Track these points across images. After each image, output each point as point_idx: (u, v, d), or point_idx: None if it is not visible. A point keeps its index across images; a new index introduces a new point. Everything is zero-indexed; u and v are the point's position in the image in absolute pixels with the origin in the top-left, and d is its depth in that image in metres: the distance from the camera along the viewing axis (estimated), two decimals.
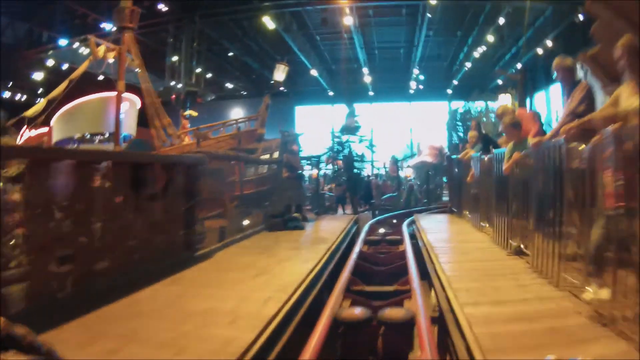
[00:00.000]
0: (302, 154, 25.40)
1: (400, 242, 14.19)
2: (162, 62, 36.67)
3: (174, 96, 34.13)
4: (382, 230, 18.10)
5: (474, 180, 14.23)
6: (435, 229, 14.54)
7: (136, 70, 23.35)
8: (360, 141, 31.77)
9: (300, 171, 19.70)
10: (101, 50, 20.69)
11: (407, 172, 39.87)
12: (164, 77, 36.52)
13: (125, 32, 21.71)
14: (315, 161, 28.58)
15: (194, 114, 28.91)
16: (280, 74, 29.52)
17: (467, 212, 15.74)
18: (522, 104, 31.09)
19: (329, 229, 15.71)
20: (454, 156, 20.62)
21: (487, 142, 14.70)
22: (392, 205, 30.65)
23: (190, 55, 35.83)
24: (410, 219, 18.58)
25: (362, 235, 15.43)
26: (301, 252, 11.14)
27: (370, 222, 20.09)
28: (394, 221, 21.86)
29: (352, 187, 28.21)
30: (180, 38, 35.95)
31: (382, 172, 43.89)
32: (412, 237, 14.35)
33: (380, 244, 14.62)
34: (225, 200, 16.89)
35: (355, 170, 28.92)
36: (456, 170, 18.75)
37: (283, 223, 15.40)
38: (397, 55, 51.20)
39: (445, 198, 33.40)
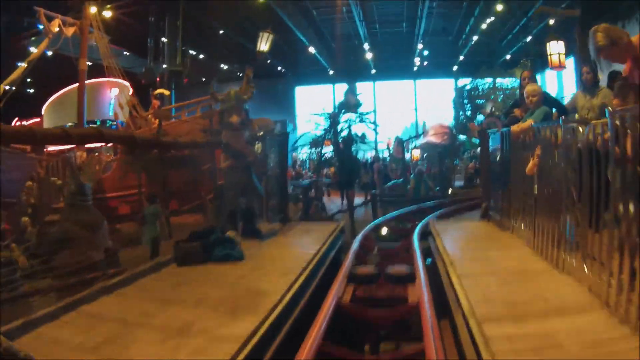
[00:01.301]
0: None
1: (411, 277, 9.15)
2: (156, 43, 34.55)
3: (158, 78, 30.71)
4: (382, 246, 13.63)
5: (542, 171, 8.58)
6: (470, 258, 9.14)
7: (93, 43, 20.43)
8: (362, 120, 28.50)
9: (250, 159, 12.91)
10: (54, 24, 17.65)
11: (414, 154, 35.57)
12: (156, 58, 34.28)
13: (88, 4, 18.35)
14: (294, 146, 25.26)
15: (166, 92, 26.05)
16: (264, 43, 25.98)
17: (523, 225, 9.96)
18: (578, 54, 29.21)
19: (289, 254, 10.68)
20: (492, 130, 14.36)
21: (552, 106, 10.58)
22: (398, 195, 26.79)
23: (174, 34, 33.29)
24: (424, 223, 14.85)
25: (349, 258, 10.61)
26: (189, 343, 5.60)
27: (364, 231, 15.12)
28: (400, 225, 18.15)
29: (345, 175, 23.31)
30: (164, 16, 33.50)
31: (386, 154, 40.45)
32: (430, 262, 10.73)
33: (375, 282, 9.46)
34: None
35: (352, 153, 24.56)
36: (501, 153, 12.03)
37: (204, 250, 9.77)
38: (400, 29, 48.01)
39: (459, 183, 30.16)
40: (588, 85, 10.07)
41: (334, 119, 27.38)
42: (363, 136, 29.07)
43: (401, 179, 30.81)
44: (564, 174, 7.34)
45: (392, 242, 15.09)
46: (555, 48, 23.12)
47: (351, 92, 29.58)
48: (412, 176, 29.24)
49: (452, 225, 13.76)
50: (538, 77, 46.42)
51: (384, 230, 16.52)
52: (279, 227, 14.08)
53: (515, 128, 10.09)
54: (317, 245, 11.04)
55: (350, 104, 28.56)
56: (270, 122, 23.26)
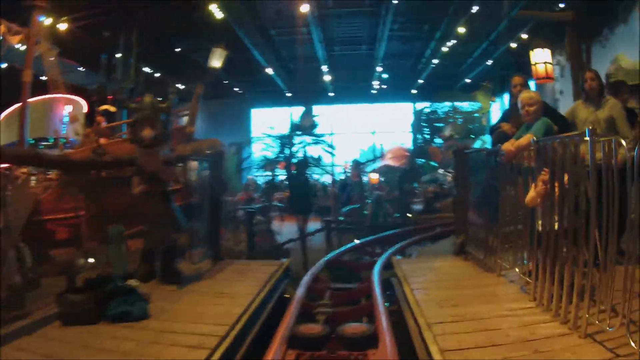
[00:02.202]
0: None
1: (372, 340, 7.13)
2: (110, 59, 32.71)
3: (110, 96, 28.78)
4: (336, 290, 11.33)
5: (550, 201, 6.60)
6: (454, 317, 6.71)
7: (38, 54, 19.76)
8: (317, 142, 26.43)
9: (168, 184, 10.42)
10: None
11: (372, 178, 33.24)
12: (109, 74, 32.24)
13: (34, 11, 17.87)
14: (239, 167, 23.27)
15: (112, 109, 23.95)
16: (216, 59, 23.80)
17: (517, 269, 8.21)
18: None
19: (210, 310, 7.70)
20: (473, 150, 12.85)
21: (550, 118, 8.42)
22: (355, 222, 24.73)
23: (128, 50, 31.46)
24: (385, 257, 12.49)
25: (291, 313, 8.22)
26: None
27: (313, 270, 12.64)
28: (358, 260, 16.45)
29: (298, 200, 20.87)
30: (119, 31, 31.49)
31: (343, 177, 38.62)
32: (395, 311, 8.51)
33: (325, 347, 7.31)
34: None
35: (306, 176, 22.33)
36: (486, 177, 9.96)
37: (97, 305, 7.11)
38: (359, 52, 45.99)
39: (418, 207, 28.17)
40: (592, 94, 7.90)
41: (288, 140, 25.59)
42: (318, 159, 27.01)
43: (358, 205, 28.68)
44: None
45: (348, 283, 12.44)
46: (541, 56, 21.15)
47: (307, 113, 27.81)
48: (369, 201, 27.24)
49: (422, 265, 11.04)
50: (498, 101, 45.46)
51: (338, 269, 14.02)
52: (207, 267, 11.19)
53: (508, 146, 7.82)
54: (251, 294, 8.50)
55: (305, 126, 26.86)
56: (218, 143, 20.92)
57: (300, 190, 20.23)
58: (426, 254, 14.18)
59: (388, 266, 11.84)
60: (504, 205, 8.37)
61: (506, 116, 10.25)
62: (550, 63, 21.80)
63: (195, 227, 12.27)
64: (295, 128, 27.60)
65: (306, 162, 23.85)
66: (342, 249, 17.11)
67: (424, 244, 16.92)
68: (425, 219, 24.37)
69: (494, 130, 10.14)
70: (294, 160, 24.05)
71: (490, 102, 44.53)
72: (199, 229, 12.50)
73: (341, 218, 25.26)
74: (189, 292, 8.80)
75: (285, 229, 22.50)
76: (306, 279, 10.72)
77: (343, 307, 9.66)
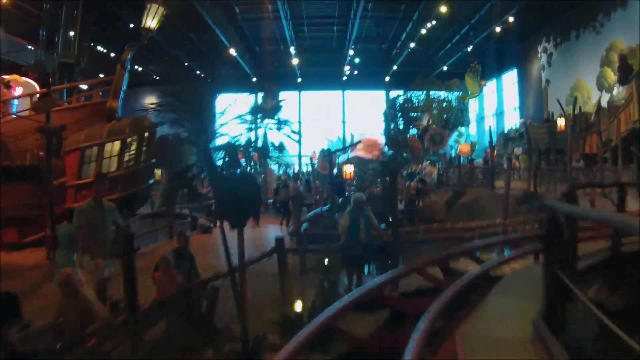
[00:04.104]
0: None
1: None
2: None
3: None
4: None
5: None
6: None
7: None
8: (280, 128, 21.21)
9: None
10: None
11: (347, 171, 25.04)
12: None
13: None
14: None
15: (20, 79, 19.39)
16: (152, 18, 18.31)
17: None
18: None
19: None
20: None
21: None
22: (323, 236, 15.41)
23: (70, 23, 27.22)
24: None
25: None
26: None
27: None
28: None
29: (230, 204, 11.55)
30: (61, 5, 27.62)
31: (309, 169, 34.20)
32: None
33: None
34: None
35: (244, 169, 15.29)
36: None
37: None
38: (330, 33, 42.12)
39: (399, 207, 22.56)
40: None
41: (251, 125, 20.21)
42: (281, 146, 21.91)
43: (327, 206, 21.36)
44: None
45: None
46: None
47: (271, 96, 26.31)
48: (347, 209, 19.34)
49: None
50: (491, 82, 41.44)
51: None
52: None
53: None
54: None
55: (267, 108, 21.65)
56: (147, 122, 15.60)
57: (230, 190, 10.87)
58: None
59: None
60: None
61: None
62: None
63: None
64: (256, 111, 22.41)
65: (267, 149, 18.24)
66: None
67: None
68: (423, 230, 16.72)
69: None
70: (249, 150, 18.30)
71: (481, 86, 41.32)
72: None
73: (305, 226, 17.22)
74: None
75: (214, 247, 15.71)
76: None
77: None
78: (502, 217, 15.91)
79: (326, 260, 11.13)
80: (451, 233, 15.49)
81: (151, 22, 18.51)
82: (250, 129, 21.92)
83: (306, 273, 12.40)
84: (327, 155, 29.39)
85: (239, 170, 13.24)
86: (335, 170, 25.99)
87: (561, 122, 24.34)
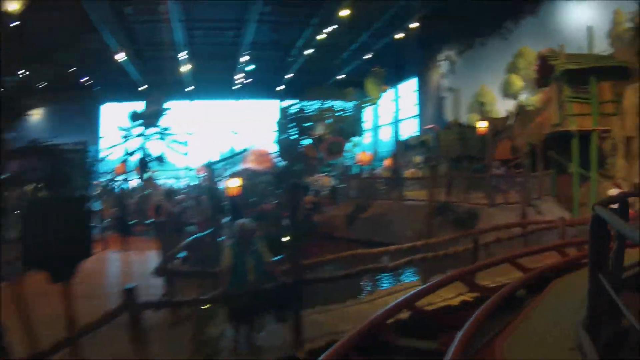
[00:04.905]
0: None
1: None
2: None
3: None
4: None
5: None
6: None
7: None
8: (163, 137, 18.97)
9: None
10: None
11: (231, 185, 19.82)
12: None
13: None
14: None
15: None
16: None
17: None
18: None
19: None
20: None
21: None
22: (203, 274, 10.40)
23: None
24: None
25: None
26: None
27: None
28: None
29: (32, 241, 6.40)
30: None
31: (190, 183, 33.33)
32: None
33: None
34: None
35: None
36: None
37: None
38: (225, 37, 39.50)
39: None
40: None
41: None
42: (161, 157, 19.00)
43: (211, 229, 14.73)
44: None
45: None
46: None
47: (154, 99, 24.28)
48: (230, 242, 12.11)
49: None
50: (389, 92, 39.83)
51: None
52: None
53: None
54: None
55: (147, 114, 19.32)
56: None
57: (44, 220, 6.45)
58: None
59: None
60: None
61: None
62: None
63: None
64: (136, 117, 19.68)
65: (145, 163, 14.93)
66: None
67: None
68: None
69: None
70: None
71: (381, 91, 39.24)
72: None
73: (181, 255, 12.34)
74: None
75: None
76: None
77: None
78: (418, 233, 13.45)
79: (205, 311, 7.68)
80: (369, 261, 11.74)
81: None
82: (126, 138, 18.79)
83: (181, 324, 8.56)
84: (211, 169, 26.54)
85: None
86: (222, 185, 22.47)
87: (483, 124, 22.15)
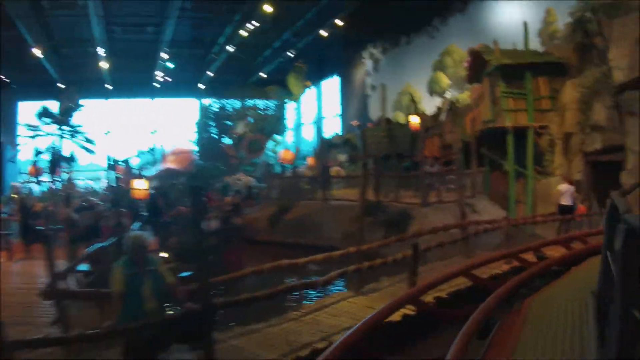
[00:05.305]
0: None
1: None
2: None
3: None
4: None
5: None
6: None
7: None
8: (73, 136, 17.92)
9: None
10: None
11: (138, 187, 17.21)
12: None
13: None
14: None
15: None
16: None
17: None
18: None
19: None
20: None
21: None
22: (96, 295, 7.61)
23: None
24: None
25: None
26: None
27: None
28: None
29: None
30: None
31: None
32: None
33: None
34: None
35: None
36: None
37: None
38: (145, 34, 37.49)
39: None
40: None
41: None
42: (72, 157, 17.80)
43: (115, 239, 11.38)
44: None
45: None
46: None
47: (67, 96, 23.20)
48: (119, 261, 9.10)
49: None
50: (312, 90, 38.86)
51: None
52: None
53: None
54: None
55: (59, 112, 18.46)
56: None
57: None
58: None
59: None
60: None
61: None
62: None
63: None
64: (42, 114, 18.32)
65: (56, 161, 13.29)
66: None
67: None
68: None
69: None
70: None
71: (305, 87, 38.78)
72: None
73: (83, 268, 10.55)
74: None
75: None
76: None
77: None
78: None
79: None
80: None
81: None
82: (34, 137, 17.25)
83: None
84: (128, 168, 24.82)
85: None
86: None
87: (415, 119, 21.08)
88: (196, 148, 35.18)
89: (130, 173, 26.59)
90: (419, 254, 9.27)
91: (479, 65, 20.48)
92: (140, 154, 39.78)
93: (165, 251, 12.54)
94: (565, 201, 14.80)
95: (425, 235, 11.90)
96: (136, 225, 14.12)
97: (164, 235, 14.96)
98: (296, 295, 10.32)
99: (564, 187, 15.03)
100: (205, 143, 35.96)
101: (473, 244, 12.84)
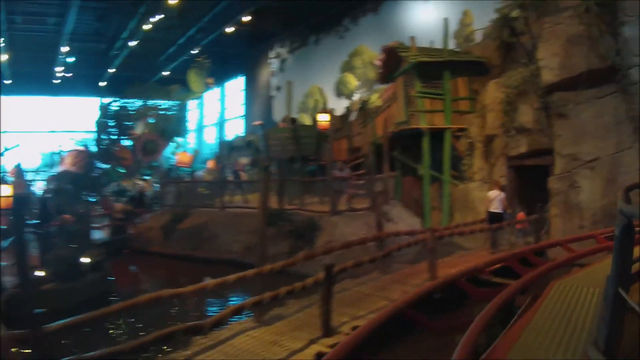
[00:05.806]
0: None
1: None
2: None
3: None
4: None
5: None
6: None
7: None
8: None
9: None
10: None
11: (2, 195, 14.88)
12: None
13: None
14: None
15: None
16: None
17: None
18: None
19: None
20: None
21: None
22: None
23: None
24: None
25: None
26: None
27: None
28: None
29: None
30: None
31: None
32: None
33: None
34: None
35: None
36: None
37: None
38: (46, 25, 34.85)
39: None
40: None
41: None
42: None
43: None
44: None
45: None
46: None
47: None
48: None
49: None
50: (214, 90, 36.80)
51: None
52: None
53: None
54: None
55: None
56: None
57: None
58: None
59: None
60: None
61: None
62: None
63: None
64: None
65: None
66: None
67: None
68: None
69: None
70: None
71: (206, 85, 37.65)
72: None
73: None
74: None
75: None
76: None
77: None
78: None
79: None
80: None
81: None
82: None
83: None
84: (20, 173, 22.51)
85: None
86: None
87: (325, 118, 19.27)
88: (94, 149, 32.12)
89: (22, 177, 24.09)
90: (333, 279, 7.44)
91: (393, 64, 19.37)
92: (43, 156, 37.78)
93: (42, 268, 10.42)
94: (495, 208, 13.81)
95: (338, 250, 10.16)
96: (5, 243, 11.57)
97: (44, 247, 12.58)
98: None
99: (493, 193, 14.01)
100: (104, 144, 33.38)
101: (390, 258, 11.13)
